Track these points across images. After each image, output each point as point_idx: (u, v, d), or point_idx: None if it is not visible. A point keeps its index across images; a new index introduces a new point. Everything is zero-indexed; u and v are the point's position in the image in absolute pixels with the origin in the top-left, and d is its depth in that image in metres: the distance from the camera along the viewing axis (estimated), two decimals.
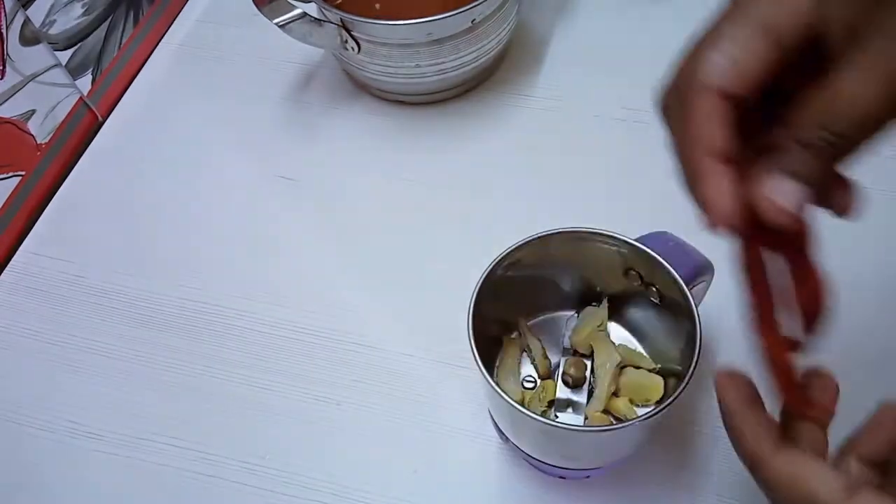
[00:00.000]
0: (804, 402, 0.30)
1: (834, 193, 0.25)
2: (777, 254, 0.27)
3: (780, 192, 0.23)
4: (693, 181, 0.24)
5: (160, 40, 0.70)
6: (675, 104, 0.24)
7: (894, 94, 0.21)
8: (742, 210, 0.24)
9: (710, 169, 0.23)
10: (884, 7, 0.20)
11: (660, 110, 0.25)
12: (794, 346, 0.29)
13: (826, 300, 0.28)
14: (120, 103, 0.66)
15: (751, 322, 0.28)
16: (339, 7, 0.57)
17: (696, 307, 0.39)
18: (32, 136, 0.59)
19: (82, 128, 0.64)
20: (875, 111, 0.21)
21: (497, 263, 0.41)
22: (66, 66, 0.61)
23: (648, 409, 0.38)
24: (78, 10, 0.61)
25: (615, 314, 0.47)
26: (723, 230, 0.24)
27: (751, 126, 0.23)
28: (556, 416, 0.44)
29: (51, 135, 0.61)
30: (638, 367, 0.45)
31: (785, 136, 0.23)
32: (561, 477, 0.46)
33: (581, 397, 0.44)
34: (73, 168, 0.62)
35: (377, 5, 0.60)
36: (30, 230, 0.59)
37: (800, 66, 0.23)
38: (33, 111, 0.59)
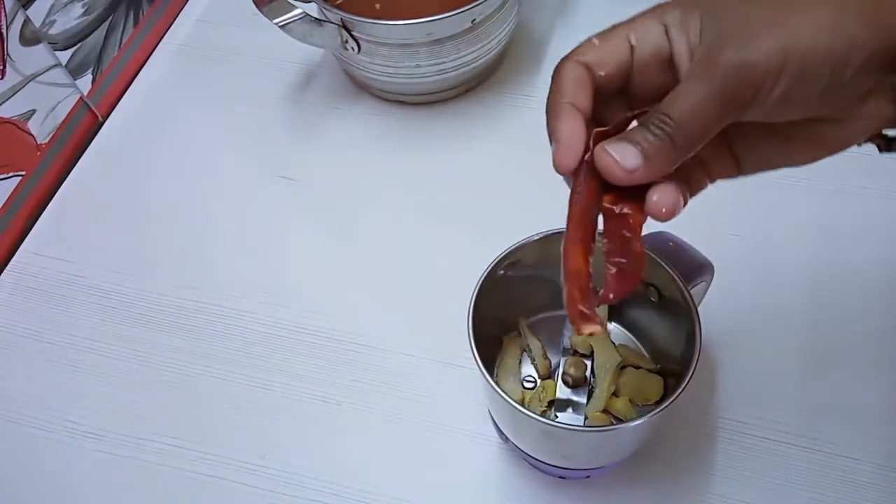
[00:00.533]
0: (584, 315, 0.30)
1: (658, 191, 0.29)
2: (611, 225, 0.30)
3: (616, 149, 0.28)
4: (551, 120, 0.29)
5: (160, 40, 0.70)
6: (556, 68, 0.31)
7: (716, 96, 0.27)
8: (584, 150, 0.29)
9: (567, 111, 0.29)
10: (711, 36, 0.28)
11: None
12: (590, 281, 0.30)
13: (636, 277, 0.30)
14: (120, 103, 0.66)
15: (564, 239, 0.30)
16: (339, 7, 0.57)
17: (696, 307, 0.39)
18: (32, 136, 0.59)
19: (82, 128, 0.64)
20: (700, 106, 0.27)
21: (497, 263, 0.41)
22: (66, 66, 0.61)
23: (648, 409, 0.38)
24: (78, 10, 0.61)
25: (615, 314, 0.47)
26: (565, 162, 0.29)
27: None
28: (556, 416, 0.44)
29: (51, 135, 0.61)
30: (638, 367, 0.45)
31: (639, 119, 0.29)
32: (561, 477, 0.46)
33: (581, 397, 0.44)
34: (73, 168, 0.62)
35: (377, 5, 0.60)
36: (30, 230, 0.59)
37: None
38: (33, 111, 0.59)
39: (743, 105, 0.28)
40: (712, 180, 0.32)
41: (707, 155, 0.31)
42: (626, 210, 0.29)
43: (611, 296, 0.30)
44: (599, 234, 0.31)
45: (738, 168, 0.32)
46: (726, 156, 0.32)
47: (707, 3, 0.29)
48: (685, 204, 0.30)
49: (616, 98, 0.31)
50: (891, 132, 0.31)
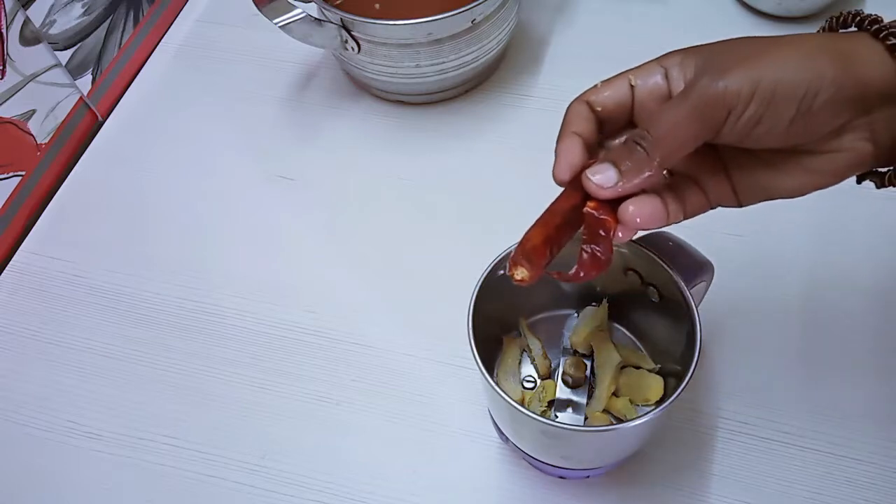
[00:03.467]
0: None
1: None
2: (591, 226, 0.34)
3: (596, 170, 0.33)
4: (557, 143, 0.35)
5: (160, 40, 0.70)
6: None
7: (691, 115, 0.31)
8: (580, 167, 0.34)
9: (567, 136, 0.34)
10: (702, 69, 0.32)
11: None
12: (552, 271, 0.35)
13: (606, 262, 0.35)
14: (120, 103, 0.66)
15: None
16: (339, 7, 0.57)
17: (696, 307, 0.39)
18: (32, 136, 0.59)
19: (82, 128, 0.64)
20: (677, 123, 0.31)
21: (497, 263, 0.41)
22: (66, 66, 0.61)
23: (648, 409, 0.38)
24: (78, 10, 0.61)
25: (615, 314, 0.47)
26: (559, 175, 0.34)
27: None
28: (556, 416, 0.44)
29: (51, 135, 0.61)
30: (638, 367, 0.45)
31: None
32: (561, 477, 0.46)
33: (581, 397, 0.44)
34: (73, 168, 0.62)
35: (377, 5, 0.60)
36: (30, 230, 0.59)
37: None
38: (33, 111, 0.59)
39: (716, 124, 0.31)
40: (712, 206, 0.36)
41: (703, 180, 0.35)
42: (604, 216, 0.33)
43: (581, 274, 0.34)
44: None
45: (736, 197, 0.35)
46: (723, 182, 0.35)
47: (704, 49, 0.33)
48: (673, 219, 0.34)
49: (626, 129, 0.36)
50: (883, 168, 0.33)
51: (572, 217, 0.34)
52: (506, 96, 0.64)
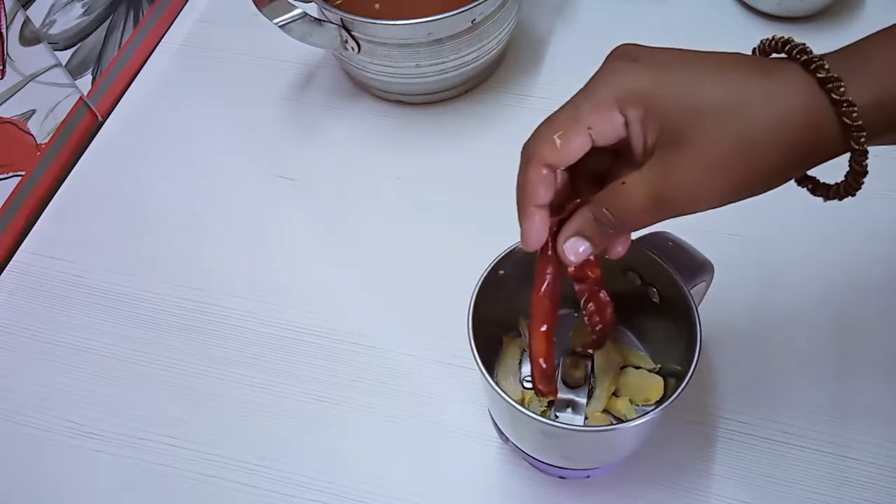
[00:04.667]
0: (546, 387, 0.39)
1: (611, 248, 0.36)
2: (579, 284, 0.38)
3: (570, 246, 0.35)
4: (520, 218, 0.35)
5: (160, 40, 0.70)
6: (522, 165, 0.35)
7: (655, 202, 0.32)
8: (547, 239, 0.36)
9: (530, 212, 0.35)
10: (663, 147, 0.31)
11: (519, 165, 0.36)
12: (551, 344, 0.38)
13: (608, 325, 0.40)
14: (120, 103, 0.66)
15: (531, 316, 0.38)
16: (339, 7, 0.57)
17: (696, 307, 0.39)
18: (32, 136, 0.59)
19: (82, 128, 0.64)
20: (641, 209, 0.32)
21: (497, 263, 0.41)
22: (66, 66, 0.61)
23: (648, 409, 0.38)
24: (78, 10, 0.61)
25: (615, 314, 0.47)
26: (531, 248, 0.35)
27: (577, 167, 0.35)
28: (556, 416, 0.44)
29: (51, 135, 0.61)
30: (638, 367, 0.45)
31: (586, 206, 0.35)
32: (561, 477, 0.46)
33: (581, 397, 0.44)
34: (73, 168, 0.62)
35: (377, 5, 0.60)
36: (30, 230, 0.59)
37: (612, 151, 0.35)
38: (33, 111, 0.59)
39: (677, 215, 0.32)
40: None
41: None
42: (587, 272, 0.37)
43: (603, 336, 0.40)
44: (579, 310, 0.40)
45: None
46: None
47: (670, 114, 0.31)
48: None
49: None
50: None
51: (555, 291, 0.37)
52: (506, 96, 0.64)
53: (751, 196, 0.32)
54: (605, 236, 0.34)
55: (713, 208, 0.32)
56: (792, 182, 0.33)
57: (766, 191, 0.32)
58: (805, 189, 0.35)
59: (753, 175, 0.31)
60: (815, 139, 0.30)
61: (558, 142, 0.33)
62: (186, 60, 0.69)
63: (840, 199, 0.34)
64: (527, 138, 0.36)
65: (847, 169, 0.32)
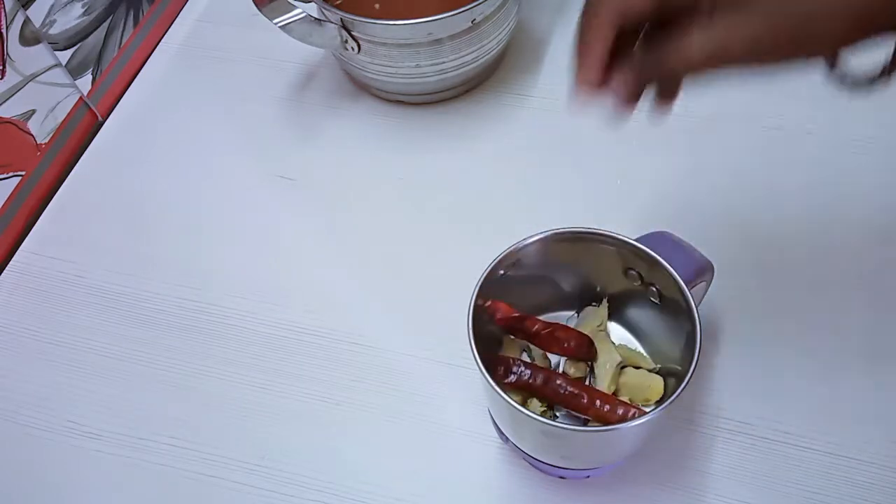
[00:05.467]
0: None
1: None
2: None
3: (622, 74, 0.35)
4: (583, 42, 0.36)
5: (160, 40, 0.70)
6: (590, 9, 0.36)
7: (717, 52, 0.32)
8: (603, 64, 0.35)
9: (598, 38, 0.35)
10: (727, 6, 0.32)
11: (583, 7, 0.36)
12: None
13: (572, 349, 0.43)
14: (120, 103, 0.66)
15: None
16: (339, 7, 0.57)
17: (696, 307, 0.39)
18: (32, 136, 0.59)
19: (82, 128, 0.64)
20: (704, 55, 0.32)
21: (497, 263, 0.41)
22: (66, 66, 0.61)
23: (648, 409, 0.38)
24: (78, 10, 0.61)
25: (615, 314, 0.47)
26: (588, 72, 0.35)
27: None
28: (556, 416, 0.44)
29: (51, 135, 0.61)
30: (638, 367, 0.45)
31: (651, 52, 0.35)
32: (561, 477, 0.46)
33: None
34: (73, 168, 0.62)
35: (377, 5, 0.60)
36: (30, 230, 0.59)
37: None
38: (33, 111, 0.59)
39: (734, 67, 0.32)
40: None
41: None
42: (574, 391, 0.42)
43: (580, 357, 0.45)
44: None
45: None
46: None
47: None
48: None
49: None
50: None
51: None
52: (506, 96, 0.64)
53: (808, 58, 0.32)
54: (659, 80, 0.35)
55: (769, 66, 0.32)
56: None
57: (821, 55, 0.33)
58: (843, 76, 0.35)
59: (814, 31, 0.31)
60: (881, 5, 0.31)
61: None
62: (186, 60, 0.69)
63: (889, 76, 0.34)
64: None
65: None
